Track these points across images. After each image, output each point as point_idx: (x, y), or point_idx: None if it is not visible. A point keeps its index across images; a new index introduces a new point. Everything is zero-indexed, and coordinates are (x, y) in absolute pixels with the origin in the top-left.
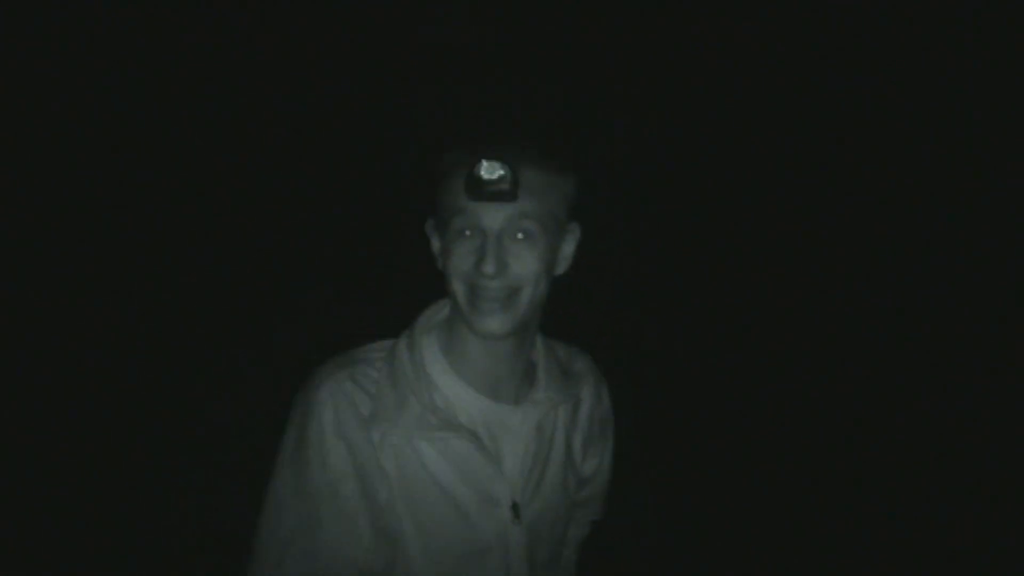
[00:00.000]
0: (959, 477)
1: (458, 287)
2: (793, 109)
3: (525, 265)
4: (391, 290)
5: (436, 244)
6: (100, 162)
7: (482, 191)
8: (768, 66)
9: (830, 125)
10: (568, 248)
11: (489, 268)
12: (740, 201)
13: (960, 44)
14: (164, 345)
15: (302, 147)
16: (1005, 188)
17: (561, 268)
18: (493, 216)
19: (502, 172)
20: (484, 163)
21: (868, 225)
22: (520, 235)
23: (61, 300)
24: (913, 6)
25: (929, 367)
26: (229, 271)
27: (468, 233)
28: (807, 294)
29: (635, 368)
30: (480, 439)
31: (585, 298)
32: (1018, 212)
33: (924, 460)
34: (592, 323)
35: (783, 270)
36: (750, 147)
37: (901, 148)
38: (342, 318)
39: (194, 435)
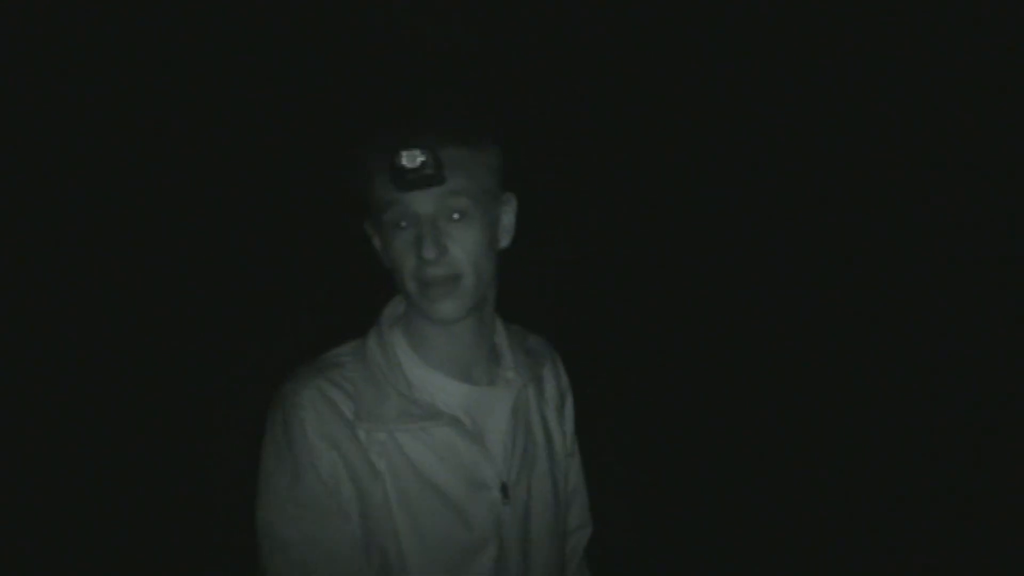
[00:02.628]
0: (944, 481)
1: (406, 280)
2: (738, 76)
3: (465, 245)
4: (360, 294)
5: (377, 242)
6: (90, 162)
7: (408, 180)
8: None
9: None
10: (507, 219)
11: (428, 253)
12: (704, 188)
13: (960, 44)
14: (156, 347)
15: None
16: (1005, 188)
17: (505, 241)
18: (424, 202)
19: (423, 158)
20: (403, 153)
21: (844, 218)
22: (456, 215)
23: (50, 302)
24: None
25: (904, 365)
26: (219, 275)
27: (404, 224)
28: (783, 286)
29: (607, 363)
30: (462, 424)
31: (554, 294)
32: (1018, 212)
33: (903, 462)
34: (560, 319)
35: (756, 259)
36: (707, 129)
37: (872, 145)
38: (316, 324)
39: (186, 438)
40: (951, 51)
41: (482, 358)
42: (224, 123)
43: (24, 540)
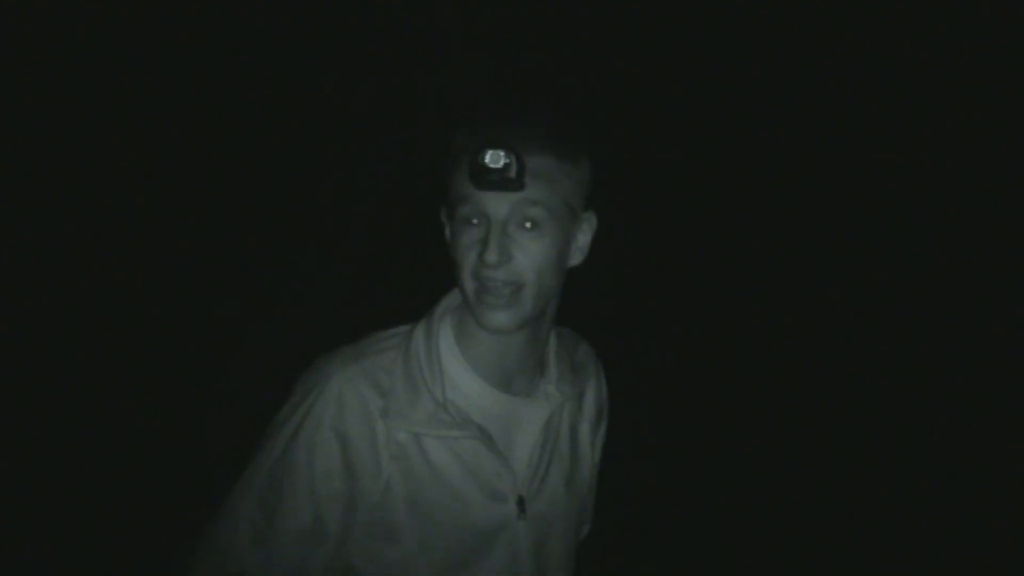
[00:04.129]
0: (957, 477)
1: (464, 278)
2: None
3: (531, 256)
4: (401, 279)
5: (448, 233)
6: (96, 160)
7: (486, 179)
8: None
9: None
10: (584, 238)
11: (491, 257)
12: (748, 195)
13: (960, 44)
14: (164, 339)
15: (302, 135)
16: (1005, 188)
17: (576, 259)
18: (498, 204)
19: (507, 160)
20: (488, 151)
21: (873, 224)
22: (528, 224)
23: (57, 299)
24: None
25: (924, 365)
26: (230, 261)
27: (475, 221)
28: (807, 291)
29: (634, 365)
30: (491, 436)
31: (590, 293)
32: (1018, 212)
33: (921, 460)
34: (592, 318)
35: (786, 267)
36: (759, 138)
37: (899, 148)
38: (347, 308)
39: (193, 432)
40: (951, 51)
41: (527, 369)
42: (250, 119)
43: (24, 540)
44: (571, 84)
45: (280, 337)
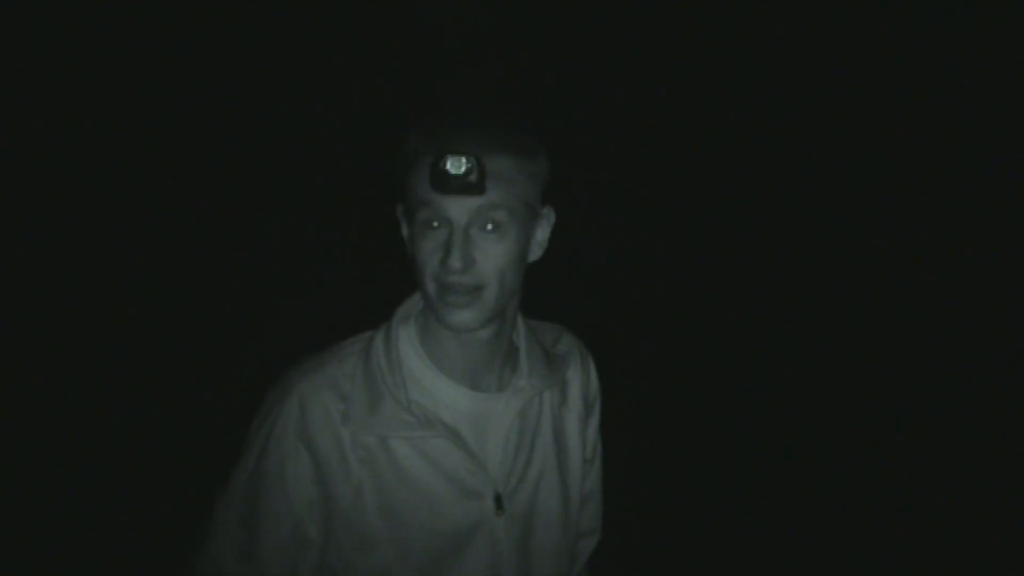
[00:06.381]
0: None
1: (426, 280)
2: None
3: (492, 259)
4: (382, 280)
5: (405, 231)
6: (95, 159)
7: (448, 185)
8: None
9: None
10: (542, 234)
11: (455, 263)
12: (726, 190)
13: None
14: (160, 340)
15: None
16: (1005, 188)
17: (535, 255)
18: (460, 209)
19: (468, 165)
20: (449, 157)
21: (864, 221)
22: (489, 226)
23: (58, 297)
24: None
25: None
26: (224, 263)
27: (435, 224)
28: (795, 288)
29: (622, 364)
30: (460, 435)
31: (571, 291)
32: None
33: (919, 456)
34: (578, 317)
35: (770, 261)
36: (734, 135)
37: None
38: (334, 310)
39: (188, 431)
40: (951, 51)
41: (495, 364)
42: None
43: (24, 540)
44: (523, 81)
45: (279, 337)
